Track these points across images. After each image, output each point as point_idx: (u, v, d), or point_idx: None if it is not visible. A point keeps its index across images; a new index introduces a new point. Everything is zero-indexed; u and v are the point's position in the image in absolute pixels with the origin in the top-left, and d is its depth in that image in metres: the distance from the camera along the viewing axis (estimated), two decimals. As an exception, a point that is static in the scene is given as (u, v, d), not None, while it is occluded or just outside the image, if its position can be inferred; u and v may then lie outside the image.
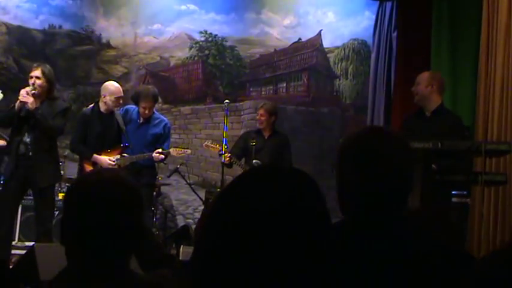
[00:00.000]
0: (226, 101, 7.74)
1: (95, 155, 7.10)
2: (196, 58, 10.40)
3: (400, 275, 1.84)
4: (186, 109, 10.32)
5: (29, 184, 6.67)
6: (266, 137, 7.84)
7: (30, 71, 6.71)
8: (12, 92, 9.86)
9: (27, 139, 6.62)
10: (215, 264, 1.29)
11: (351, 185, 1.94)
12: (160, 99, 8.85)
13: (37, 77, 6.62)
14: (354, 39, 10.29)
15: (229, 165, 7.65)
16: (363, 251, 1.85)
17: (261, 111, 7.79)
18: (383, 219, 1.89)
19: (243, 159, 7.77)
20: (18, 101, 6.53)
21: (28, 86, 6.60)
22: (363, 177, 1.90)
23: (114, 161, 7.11)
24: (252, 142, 7.65)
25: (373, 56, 9.43)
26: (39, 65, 6.78)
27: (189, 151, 7.57)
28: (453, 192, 5.98)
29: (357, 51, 10.27)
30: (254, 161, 7.63)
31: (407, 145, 2.01)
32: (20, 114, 6.57)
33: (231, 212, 1.30)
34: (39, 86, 6.60)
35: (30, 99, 6.45)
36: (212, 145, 7.74)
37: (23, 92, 6.50)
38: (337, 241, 1.87)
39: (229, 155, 7.50)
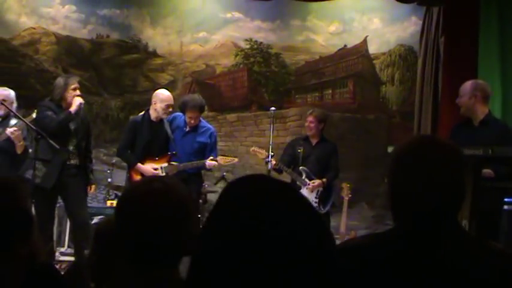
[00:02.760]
0: (272, 108, 7.71)
1: (139, 164, 7.14)
2: (241, 65, 10.43)
3: (454, 284, 1.82)
4: (231, 116, 10.35)
5: (64, 189, 6.72)
6: (313, 144, 7.82)
7: (72, 83, 6.82)
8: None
9: (70, 147, 6.72)
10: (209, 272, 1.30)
11: (405, 193, 1.93)
12: (206, 107, 8.90)
13: (79, 89, 6.80)
14: (401, 45, 10.21)
15: (279, 170, 7.66)
16: (417, 258, 1.83)
17: (311, 118, 7.77)
18: (437, 227, 1.87)
19: (292, 167, 7.77)
20: (71, 110, 6.61)
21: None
22: (418, 186, 1.89)
23: (158, 169, 7.16)
24: (299, 149, 7.64)
25: (419, 61, 9.35)
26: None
27: (236, 159, 7.59)
28: (505, 200, 5.87)
29: (404, 57, 10.18)
30: (301, 167, 7.62)
31: (460, 153, 1.99)
32: (69, 123, 6.68)
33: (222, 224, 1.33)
34: None
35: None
36: (259, 150, 7.75)
37: (80, 100, 6.66)
38: (388, 249, 1.87)
39: (273, 161, 7.49)
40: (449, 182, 1.89)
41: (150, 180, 2.21)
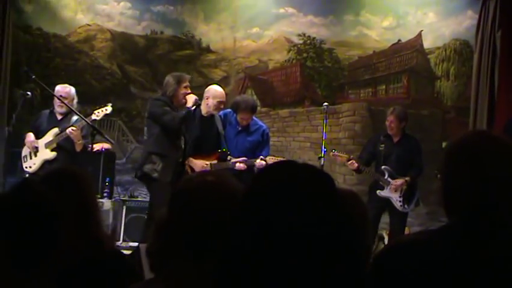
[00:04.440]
0: (325, 103, 7.67)
1: (191, 158, 7.15)
2: (294, 61, 10.42)
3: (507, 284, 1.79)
4: (284, 112, 10.34)
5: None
6: (395, 142, 7.72)
7: (184, 81, 6.93)
8: (117, 97, 10.22)
9: (181, 144, 6.87)
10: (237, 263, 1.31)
11: (460, 189, 1.90)
12: (258, 103, 8.92)
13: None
14: (456, 40, 10.05)
15: (359, 171, 7.65)
16: (474, 255, 1.81)
17: (391, 118, 7.64)
18: (494, 223, 1.85)
19: (373, 165, 7.71)
20: (191, 104, 6.74)
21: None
22: (474, 181, 1.86)
23: (207, 166, 7.19)
24: (381, 147, 7.57)
25: (475, 56, 9.20)
26: None
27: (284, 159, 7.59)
28: None
29: (459, 51, 10.02)
30: (383, 167, 7.55)
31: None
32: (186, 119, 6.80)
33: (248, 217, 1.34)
34: None
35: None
36: (340, 154, 7.72)
37: (195, 97, 6.79)
38: (442, 245, 1.85)
39: (355, 162, 7.50)
40: (504, 178, 1.86)
41: (203, 174, 2.25)
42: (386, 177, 7.52)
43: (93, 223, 2.62)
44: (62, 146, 7.25)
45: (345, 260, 1.36)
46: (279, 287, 1.30)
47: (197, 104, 6.82)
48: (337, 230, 1.35)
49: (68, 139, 7.16)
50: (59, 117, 7.40)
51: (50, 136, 7.27)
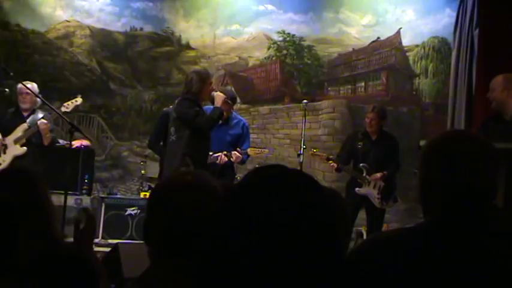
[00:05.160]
0: (305, 100, 7.70)
1: None
2: (274, 58, 10.45)
3: (482, 276, 1.82)
4: (264, 109, 10.37)
5: None
6: (373, 140, 7.73)
7: (209, 78, 6.85)
8: (96, 94, 10.20)
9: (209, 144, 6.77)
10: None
11: (434, 187, 1.94)
12: (238, 99, 8.93)
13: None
14: (434, 37, 10.12)
15: (339, 170, 7.69)
16: (447, 251, 1.84)
17: (372, 116, 7.63)
18: (467, 220, 1.88)
19: (351, 163, 7.74)
20: (220, 103, 6.64)
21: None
22: (447, 179, 1.90)
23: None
24: (359, 144, 7.60)
25: (454, 54, 9.26)
26: None
27: (266, 150, 7.61)
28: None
29: (437, 49, 10.10)
30: (361, 164, 7.58)
31: (491, 147, 1.99)
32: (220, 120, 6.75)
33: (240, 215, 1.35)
34: None
35: None
36: (319, 154, 7.75)
37: (223, 96, 6.70)
38: (417, 241, 1.89)
39: (334, 163, 7.54)
40: (479, 176, 1.90)
41: (182, 173, 2.26)
42: (364, 174, 7.57)
43: (48, 221, 2.59)
44: (32, 141, 7.31)
45: (325, 256, 1.38)
46: (261, 280, 1.32)
47: (226, 102, 6.76)
48: (320, 227, 1.38)
49: (37, 134, 7.23)
50: (25, 114, 7.43)
51: (19, 132, 7.29)
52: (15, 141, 7.27)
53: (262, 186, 1.39)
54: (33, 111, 7.41)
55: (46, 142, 7.27)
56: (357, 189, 7.57)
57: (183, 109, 6.59)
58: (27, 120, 7.32)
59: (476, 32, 8.84)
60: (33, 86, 7.32)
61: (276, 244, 1.31)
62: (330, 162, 7.58)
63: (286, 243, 1.31)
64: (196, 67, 9.86)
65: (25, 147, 7.28)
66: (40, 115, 7.32)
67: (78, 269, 2.30)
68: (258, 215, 1.34)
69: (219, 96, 6.67)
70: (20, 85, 7.35)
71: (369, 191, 7.57)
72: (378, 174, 7.54)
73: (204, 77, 6.69)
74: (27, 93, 7.28)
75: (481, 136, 2.02)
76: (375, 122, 7.62)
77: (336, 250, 1.42)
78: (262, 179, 1.42)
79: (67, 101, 7.26)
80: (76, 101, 7.25)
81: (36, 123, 7.17)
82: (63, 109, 7.13)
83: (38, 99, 7.27)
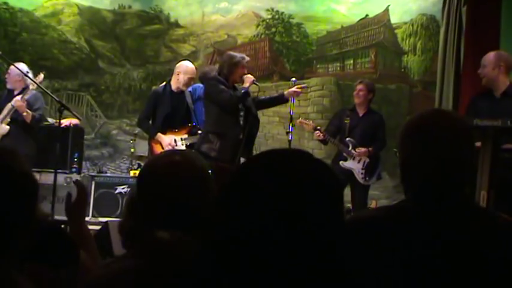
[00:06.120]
0: (293, 78, 7.70)
1: (159, 134, 7.17)
2: (263, 36, 10.44)
3: (461, 251, 1.86)
4: (253, 87, 10.34)
5: None
6: (360, 115, 7.76)
7: (241, 61, 6.80)
8: (85, 72, 10.17)
9: (240, 121, 6.77)
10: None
11: (414, 167, 1.98)
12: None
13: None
14: (423, 14, 10.12)
15: (324, 142, 7.71)
16: (423, 231, 1.88)
17: (360, 86, 7.67)
18: (443, 199, 1.92)
19: (338, 137, 7.77)
20: (247, 84, 6.70)
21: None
22: (426, 159, 1.94)
23: (178, 140, 7.19)
24: (346, 119, 7.64)
25: (442, 31, 9.26)
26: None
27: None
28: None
29: (426, 26, 10.10)
30: (347, 138, 7.62)
31: (468, 127, 2.03)
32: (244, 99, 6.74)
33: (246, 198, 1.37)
34: None
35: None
36: (306, 122, 7.80)
37: (252, 78, 6.76)
38: (399, 220, 1.93)
39: (320, 133, 7.56)
40: (455, 156, 1.94)
41: (171, 153, 2.30)
42: (350, 148, 7.62)
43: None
44: (15, 119, 7.46)
45: (335, 220, 1.42)
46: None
47: (254, 84, 6.80)
48: (328, 192, 1.41)
49: (18, 112, 7.38)
50: (15, 93, 7.55)
51: (5, 111, 7.48)
52: (2, 120, 7.47)
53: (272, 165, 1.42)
54: (22, 91, 7.44)
55: (28, 120, 7.39)
56: (341, 162, 7.61)
57: (208, 88, 6.74)
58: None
59: (464, 9, 8.85)
60: (19, 65, 7.38)
61: (289, 212, 1.33)
62: (317, 132, 7.61)
63: (299, 213, 1.34)
64: (185, 45, 9.86)
65: (8, 126, 7.45)
66: (28, 94, 7.39)
67: (55, 242, 2.31)
68: (271, 188, 1.36)
69: (247, 78, 6.76)
70: (12, 67, 7.45)
71: (354, 164, 7.61)
72: (363, 149, 7.58)
73: (236, 62, 6.73)
74: (8, 74, 7.50)
75: (457, 114, 2.06)
76: (363, 93, 7.65)
77: (343, 214, 1.44)
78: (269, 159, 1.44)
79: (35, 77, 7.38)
80: (37, 78, 7.34)
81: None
82: (30, 86, 7.35)
83: (27, 79, 7.31)
